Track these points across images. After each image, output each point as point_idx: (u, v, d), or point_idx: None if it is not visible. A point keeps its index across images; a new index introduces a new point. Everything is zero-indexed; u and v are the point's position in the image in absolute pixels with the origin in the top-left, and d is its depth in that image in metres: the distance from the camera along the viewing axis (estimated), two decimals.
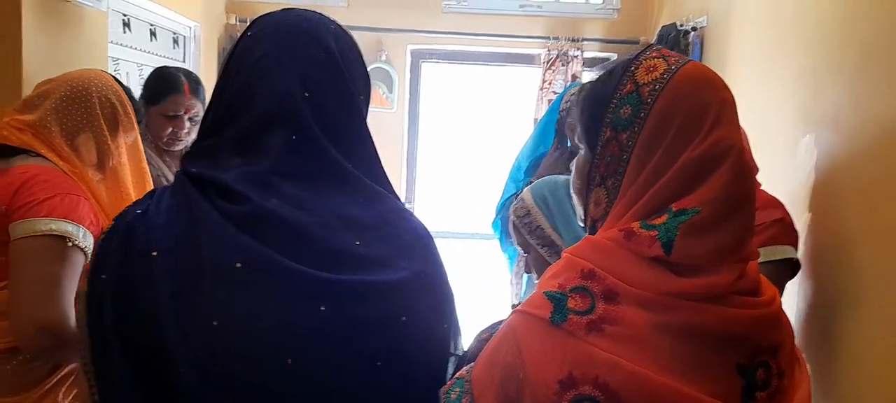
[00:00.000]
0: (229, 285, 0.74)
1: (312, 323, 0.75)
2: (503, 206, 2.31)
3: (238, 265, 0.75)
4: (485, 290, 3.34)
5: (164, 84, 2.08)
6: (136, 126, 1.60)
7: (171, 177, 2.06)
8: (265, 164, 0.80)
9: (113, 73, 2.45)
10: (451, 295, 0.88)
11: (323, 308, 0.75)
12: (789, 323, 0.80)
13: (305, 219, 0.78)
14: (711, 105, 0.74)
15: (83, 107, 1.48)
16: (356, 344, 0.76)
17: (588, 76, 3.51)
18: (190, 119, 2.11)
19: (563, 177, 1.24)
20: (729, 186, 0.72)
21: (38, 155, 1.42)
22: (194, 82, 2.14)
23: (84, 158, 1.49)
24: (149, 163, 2.02)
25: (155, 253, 0.76)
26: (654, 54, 0.78)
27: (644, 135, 0.74)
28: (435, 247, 0.87)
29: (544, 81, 3.49)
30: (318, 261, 0.76)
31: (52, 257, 1.29)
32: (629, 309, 0.70)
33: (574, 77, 3.46)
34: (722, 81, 0.78)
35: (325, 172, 0.82)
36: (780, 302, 0.79)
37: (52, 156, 1.43)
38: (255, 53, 0.85)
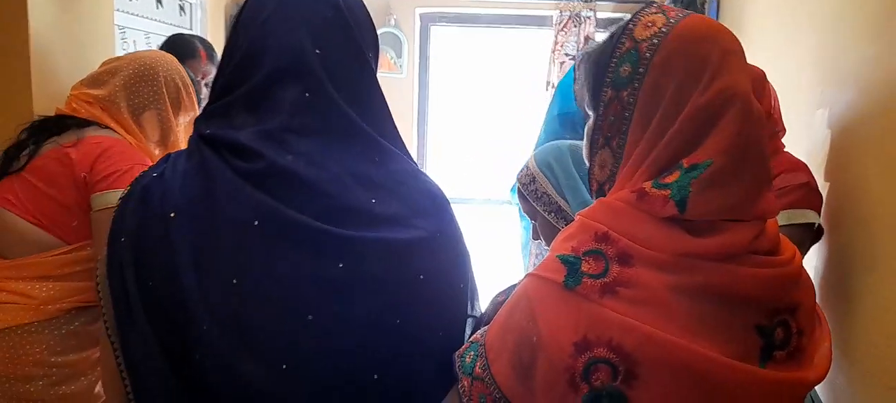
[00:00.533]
0: (247, 243, 0.75)
1: (330, 280, 0.75)
2: None
3: (256, 223, 0.75)
4: (498, 256, 3.34)
5: (181, 51, 2.12)
6: (195, 107, 1.69)
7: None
8: (278, 121, 0.80)
9: (120, 41, 2.46)
10: (468, 255, 0.88)
11: (341, 265, 0.76)
12: (810, 282, 0.79)
13: (321, 175, 0.78)
14: (712, 54, 0.72)
15: (151, 86, 1.58)
16: (373, 302, 0.77)
17: (601, 38, 3.45)
18: (206, 85, 2.15)
19: (567, 142, 1.23)
20: (739, 135, 0.70)
21: (107, 127, 1.51)
22: (209, 48, 2.22)
23: (148, 134, 1.60)
24: None
25: (172, 214, 0.77)
26: (653, 10, 0.76)
27: (645, 90, 0.73)
28: (450, 208, 0.87)
29: (556, 43, 3.43)
30: (335, 219, 0.76)
31: None
32: (644, 271, 0.69)
33: (587, 38, 3.40)
34: (727, 32, 0.75)
35: (338, 129, 0.81)
36: (801, 260, 0.77)
37: (120, 129, 1.53)
38: (263, 13, 0.85)
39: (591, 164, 0.81)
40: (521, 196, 1.24)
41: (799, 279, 0.76)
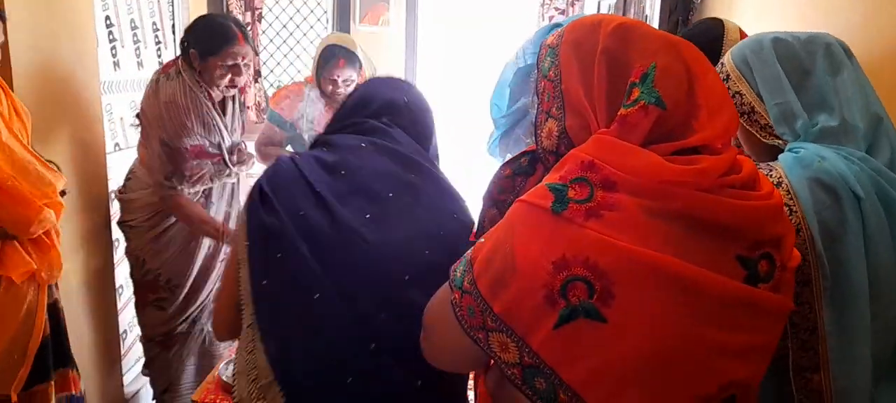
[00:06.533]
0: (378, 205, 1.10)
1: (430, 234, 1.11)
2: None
3: (390, 194, 1.11)
4: None
5: (220, 36, 2.23)
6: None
7: (218, 120, 2.29)
8: (374, 137, 1.19)
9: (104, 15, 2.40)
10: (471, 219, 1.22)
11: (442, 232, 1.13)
12: (789, 220, 0.82)
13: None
14: (602, 18, 0.85)
15: None
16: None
17: None
18: (245, 65, 2.29)
19: (771, 34, 1.09)
20: (657, 37, 0.81)
21: None
22: (244, 30, 2.29)
23: None
24: (198, 107, 2.25)
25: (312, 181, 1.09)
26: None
27: (562, 61, 0.85)
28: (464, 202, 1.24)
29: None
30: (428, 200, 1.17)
31: None
32: (625, 196, 0.73)
33: None
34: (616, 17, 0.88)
35: (416, 152, 1.21)
36: (780, 197, 0.81)
37: None
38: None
39: (538, 140, 0.89)
40: None
41: (779, 213, 0.80)
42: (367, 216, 1.07)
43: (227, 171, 2.40)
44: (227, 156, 2.37)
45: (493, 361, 0.80)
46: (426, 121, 1.29)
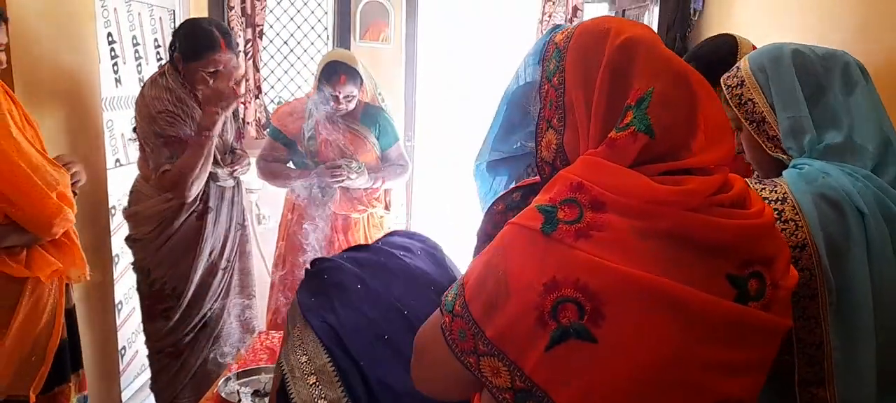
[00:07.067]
0: None
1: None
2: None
3: None
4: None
5: (202, 42, 2.26)
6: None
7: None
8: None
9: (101, 9, 2.42)
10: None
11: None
12: (783, 237, 0.82)
13: None
14: (611, 25, 0.84)
15: None
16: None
17: (589, 9, 3.43)
18: (228, 73, 2.29)
19: (792, 44, 1.09)
20: (659, 59, 0.80)
21: None
22: (227, 36, 2.31)
23: None
24: (185, 108, 2.26)
25: None
26: (569, 26, 0.91)
27: (567, 68, 0.84)
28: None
29: (544, 14, 3.41)
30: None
31: None
32: (614, 217, 0.73)
33: (575, 9, 3.38)
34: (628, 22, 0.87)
35: None
36: (772, 214, 0.81)
37: None
38: None
39: (538, 149, 0.89)
40: (725, 101, 1.13)
41: (770, 232, 0.80)
42: None
43: (223, 170, 2.41)
44: (219, 156, 2.39)
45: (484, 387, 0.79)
46: None
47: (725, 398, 0.73)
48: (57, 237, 1.74)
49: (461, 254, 0.99)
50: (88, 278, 1.89)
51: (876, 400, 0.95)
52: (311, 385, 0.96)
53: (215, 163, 2.38)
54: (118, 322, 2.64)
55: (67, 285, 1.90)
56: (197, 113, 2.29)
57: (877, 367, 0.95)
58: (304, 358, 0.99)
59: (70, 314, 1.95)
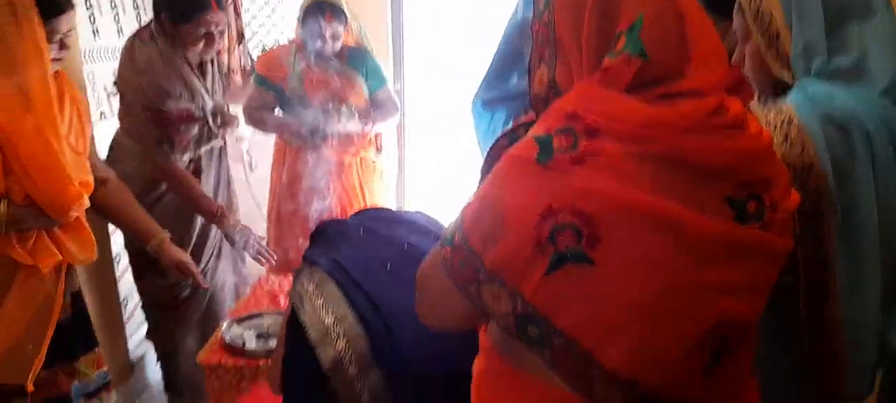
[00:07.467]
0: None
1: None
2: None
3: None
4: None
5: (192, 3, 2.13)
6: None
7: (198, 83, 2.26)
8: None
9: None
10: None
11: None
12: (781, 162, 0.82)
13: None
14: None
15: None
16: None
17: None
18: (220, 32, 2.21)
19: None
20: None
21: None
22: None
23: None
24: (176, 70, 2.20)
25: None
26: None
27: (557, 2, 0.83)
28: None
29: None
30: None
31: None
32: (610, 143, 0.73)
33: None
34: None
35: None
36: (769, 136, 0.81)
37: None
38: None
39: (531, 85, 0.89)
40: (738, 7, 1.09)
41: (768, 154, 0.80)
42: None
43: (213, 134, 2.37)
44: (210, 119, 2.33)
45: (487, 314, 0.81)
46: None
47: (726, 317, 0.74)
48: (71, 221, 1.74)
49: (455, 198, 1.00)
50: (93, 259, 1.87)
51: (879, 314, 0.97)
52: (318, 307, 1.03)
53: (204, 125, 2.34)
54: (117, 273, 2.63)
55: (73, 267, 1.87)
56: (192, 79, 2.22)
57: (881, 285, 0.96)
58: (311, 286, 1.06)
59: (78, 297, 1.93)
